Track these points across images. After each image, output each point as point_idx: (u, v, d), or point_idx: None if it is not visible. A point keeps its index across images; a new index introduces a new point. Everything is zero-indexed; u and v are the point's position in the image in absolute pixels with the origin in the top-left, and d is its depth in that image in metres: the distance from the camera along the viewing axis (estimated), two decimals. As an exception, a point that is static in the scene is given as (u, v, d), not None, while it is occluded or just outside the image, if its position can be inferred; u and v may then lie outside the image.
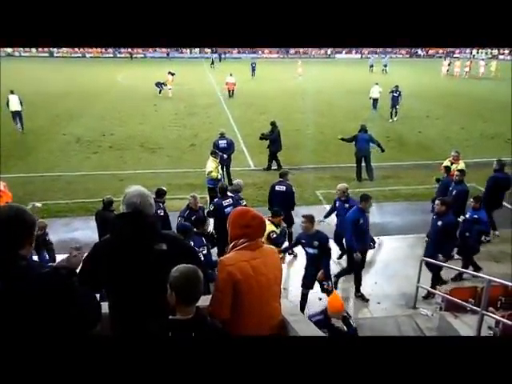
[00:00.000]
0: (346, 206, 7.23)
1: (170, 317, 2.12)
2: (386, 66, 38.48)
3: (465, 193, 7.90)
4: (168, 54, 55.18)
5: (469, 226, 6.97)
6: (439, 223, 6.33)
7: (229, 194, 7.27)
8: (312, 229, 5.98)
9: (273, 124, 12.72)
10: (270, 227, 5.65)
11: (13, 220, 1.75)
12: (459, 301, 5.67)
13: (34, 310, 1.66)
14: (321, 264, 5.97)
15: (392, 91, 19.29)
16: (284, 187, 7.84)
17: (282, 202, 7.53)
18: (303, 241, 6.07)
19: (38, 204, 7.16)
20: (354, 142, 11.78)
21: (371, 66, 39.58)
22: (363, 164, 11.77)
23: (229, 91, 25.09)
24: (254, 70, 34.94)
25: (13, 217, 1.75)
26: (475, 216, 6.90)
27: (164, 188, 7.36)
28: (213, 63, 42.67)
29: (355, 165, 11.77)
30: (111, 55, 56.63)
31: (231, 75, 25.11)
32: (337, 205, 7.55)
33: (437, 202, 6.50)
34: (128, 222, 2.33)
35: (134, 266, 2.28)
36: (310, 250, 5.99)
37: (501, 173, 8.39)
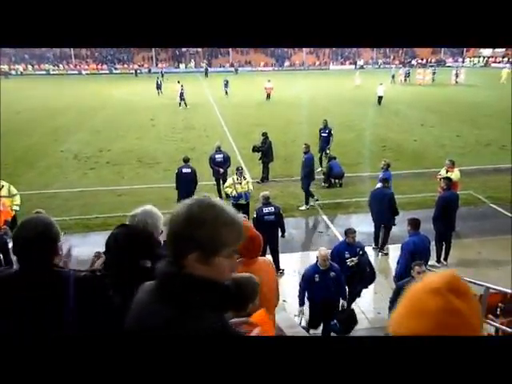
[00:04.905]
0: (332, 274, 5.73)
1: None
2: (408, 74, 40.30)
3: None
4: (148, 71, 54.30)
5: None
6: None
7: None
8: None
9: (264, 135, 12.69)
10: None
11: (43, 232, 1.92)
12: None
13: (77, 310, 1.85)
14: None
15: (320, 130, 13.76)
16: (190, 170, 9.85)
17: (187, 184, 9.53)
18: None
19: (42, 211, 7.28)
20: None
21: (393, 77, 38.67)
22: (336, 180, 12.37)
23: (267, 95, 28.58)
24: (226, 86, 31.40)
25: (43, 229, 1.93)
26: None
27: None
28: (162, 76, 40.83)
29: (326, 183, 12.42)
30: (107, 71, 57.20)
31: (269, 81, 29.06)
32: (317, 280, 5.71)
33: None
34: (119, 232, 2.41)
35: (120, 277, 2.33)
36: None
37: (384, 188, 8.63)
